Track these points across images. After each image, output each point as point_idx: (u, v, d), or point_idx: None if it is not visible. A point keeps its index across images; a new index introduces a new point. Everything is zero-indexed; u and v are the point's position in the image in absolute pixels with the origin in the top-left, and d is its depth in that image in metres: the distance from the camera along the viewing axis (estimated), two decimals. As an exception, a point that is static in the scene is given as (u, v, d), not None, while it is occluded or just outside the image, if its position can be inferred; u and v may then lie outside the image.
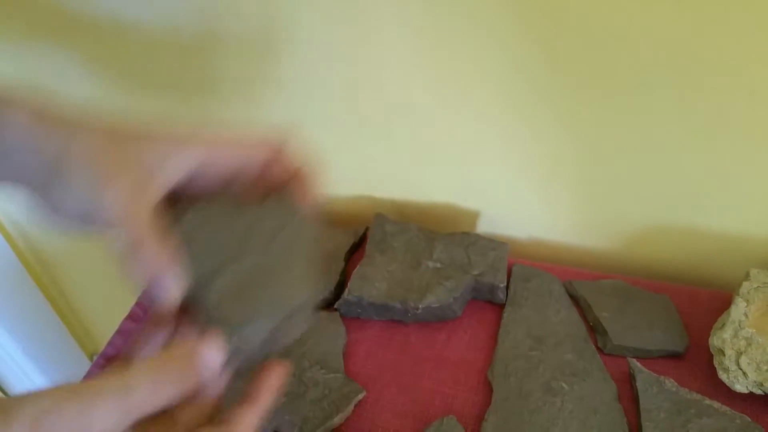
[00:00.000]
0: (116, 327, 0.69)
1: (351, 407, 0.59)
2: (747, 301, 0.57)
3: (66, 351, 1.12)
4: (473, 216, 0.74)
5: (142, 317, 0.70)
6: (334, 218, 0.65)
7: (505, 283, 0.66)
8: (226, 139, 0.42)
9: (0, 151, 0.38)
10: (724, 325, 0.57)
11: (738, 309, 0.57)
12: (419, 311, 0.64)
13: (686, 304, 0.65)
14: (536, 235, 0.74)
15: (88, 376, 0.65)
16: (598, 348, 0.62)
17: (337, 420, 0.58)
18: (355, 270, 0.69)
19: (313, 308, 0.41)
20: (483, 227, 0.74)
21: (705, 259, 0.69)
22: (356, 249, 0.75)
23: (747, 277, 0.59)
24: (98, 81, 0.76)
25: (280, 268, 0.41)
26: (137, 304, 0.71)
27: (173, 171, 0.40)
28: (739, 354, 0.55)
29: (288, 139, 0.42)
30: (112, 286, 0.97)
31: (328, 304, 0.68)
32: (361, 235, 0.75)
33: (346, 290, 0.66)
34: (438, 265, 0.67)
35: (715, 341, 0.56)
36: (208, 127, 0.42)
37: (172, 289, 0.39)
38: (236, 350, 0.38)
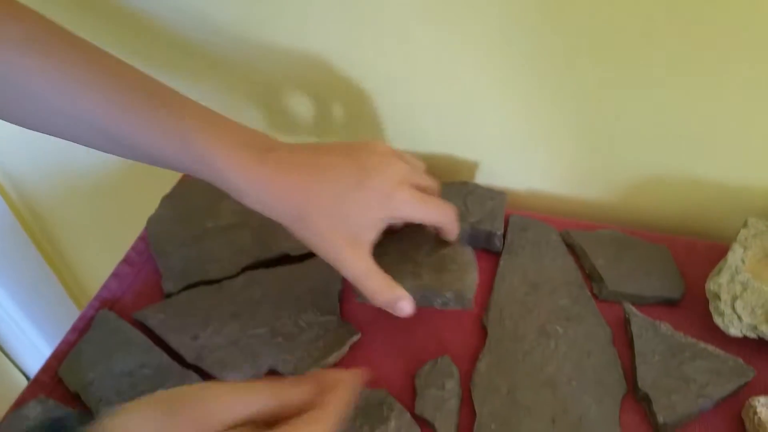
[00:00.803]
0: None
1: (346, 348, 0.59)
2: (744, 247, 0.57)
3: (57, 302, 1.12)
4: (472, 167, 0.74)
5: (137, 261, 0.70)
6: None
7: (503, 231, 0.66)
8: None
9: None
10: (720, 270, 0.57)
11: (735, 255, 0.57)
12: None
13: (683, 255, 0.65)
14: (535, 186, 0.73)
15: (83, 318, 0.64)
16: (593, 295, 0.62)
17: (331, 359, 0.58)
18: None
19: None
20: (481, 179, 0.74)
21: (703, 210, 0.69)
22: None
23: (745, 224, 0.59)
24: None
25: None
26: (133, 248, 0.71)
27: (377, 230, 0.53)
28: (734, 298, 0.55)
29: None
30: (104, 239, 0.97)
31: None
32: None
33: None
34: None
35: (711, 286, 0.56)
36: None
37: (410, 306, 0.54)
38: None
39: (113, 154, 0.51)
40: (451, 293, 0.55)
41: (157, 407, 0.36)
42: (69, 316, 1.10)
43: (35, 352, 1.07)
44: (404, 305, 0.53)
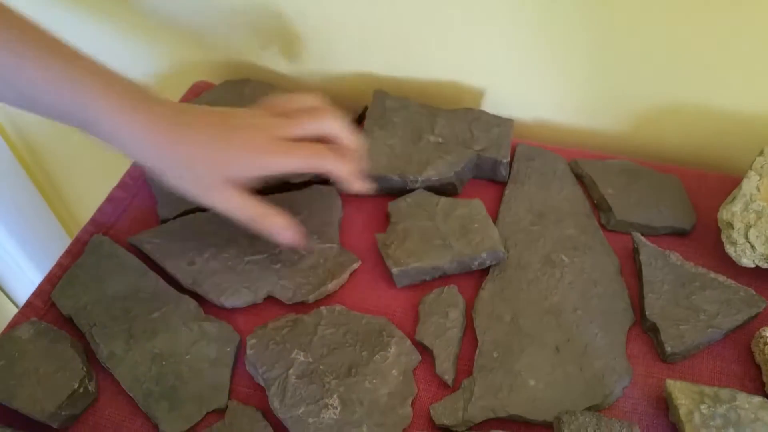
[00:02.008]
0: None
1: (346, 275, 0.58)
2: (760, 175, 0.55)
3: (50, 233, 1.11)
4: (478, 95, 0.71)
5: (132, 187, 0.68)
6: (333, 98, 0.62)
7: (509, 159, 0.63)
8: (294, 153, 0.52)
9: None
10: (734, 198, 0.55)
11: (750, 183, 0.55)
12: (418, 185, 0.62)
13: (694, 186, 0.63)
14: (542, 116, 0.71)
15: (77, 242, 0.63)
16: (601, 225, 0.61)
17: (331, 286, 0.57)
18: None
19: None
20: (487, 108, 0.71)
21: (716, 140, 0.66)
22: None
23: (761, 153, 0.57)
24: None
25: None
26: (128, 174, 0.69)
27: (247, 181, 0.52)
28: (748, 227, 0.53)
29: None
30: (98, 171, 0.95)
31: (325, 180, 0.66)
32: (360, 114, 0.72)
33: (344, 163, 0.64)
34: (439, 140, 0.65)
35: (724, 215, 0.54)
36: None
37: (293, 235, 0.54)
38: None
39: (21, 108, 0.52)
40: (485, 254, 0.56)
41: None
42: (62, 246, 1.09)
43: (27, 282, 1.06)
44: (286, 236, 0.54)
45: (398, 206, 0.61)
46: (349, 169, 0.53)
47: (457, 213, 0.59)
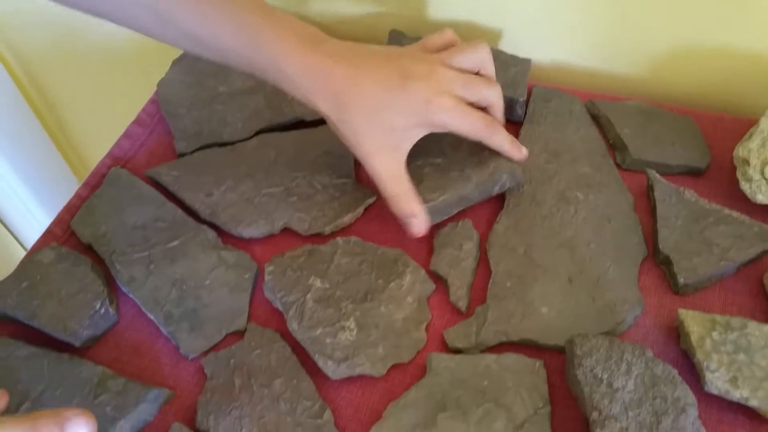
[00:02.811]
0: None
1: (361, 209, 0.59)
2: (778, 112, 0.55)
3: (60, 178, 1.12)
4: (495, 36, 0.71)
5: (149, 123, 0.68)
6: (349, 37, 0.62)
7: (525, 98, 0.63)
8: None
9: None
10: (751, 135, 0.55)
11: None
12: (435, 122, 0.62)
13: (710, 128, 0.63)
14: (559, 58, 0.71)
15: (95, 174, 0.64)
16: (616, 164, 0.61)
17: (347, 219, 0.58)
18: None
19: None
20: (504, 49, 0.71)
21: (733, 84, 0.66)
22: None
23: (780, 92, 0.57)
24: None
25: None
26: (144, 110, 0.70)
27: (414, 138, 0.53)
28: (764, 164, 0.53)
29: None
30: (108, 116, 0.95)
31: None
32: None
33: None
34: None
35: (740, 151, 0.55)
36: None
37: (422, 225, 0.54)
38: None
39: (188, 50, 0.54)
40: (505, 175, 0.56)
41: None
42: (69, 189, 1.10)
43: (37, 225, 1.07)
44: (416, 223, 0.53)
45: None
46: (511, 143, 0.55)
47: (464, 146, 0.59)
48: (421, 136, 0.53)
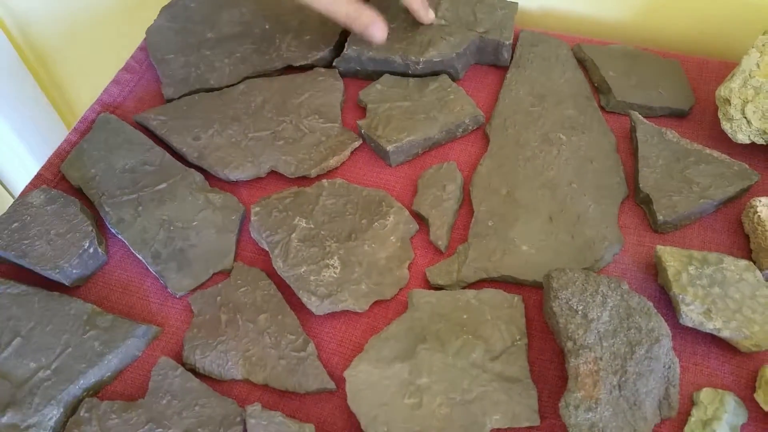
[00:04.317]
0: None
1: (347, 152, 0.59)
2: (761, 52, 0.55)
3: (52, 129, 1.12)
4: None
5: (138, 70, 0.69)
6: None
7: (511, 42, 0.63)
8: None
9: None
10: (733, 75, 0.55)
11: (750, 59, 0.55)
12: (420, 65, 0.62)
13: (696, 72, 0.63)
14: (547, 4, 0.70)
15: (84, 120, 0.64)
16: (601, 107, 0.61)
17: (333, 162, 0.58)
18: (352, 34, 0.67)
19: None
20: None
21: (720, 27, 0.66)
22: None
23: (765, 32, 0.57)
24: None
25: None
26: (132, 57, 0.70)
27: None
28: (745, 102, 0.54)
29: None
30: (100, 68, 0.95)
31: (327, 64, 0.66)
32: None
33: (346, 45, 0.64)
34: (442, 21, 0.64)
35: (722, 91, 0.55)
36: None
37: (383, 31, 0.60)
38: None
39: None
40: (468, 119, 0.59)
41: None
42: (59, 137, 1.10)
43: (26, 174, 1.07)
44: (375, 30, 0.60)
45: (369, 93, 0.62)
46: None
47: (429, 88, 0.61)
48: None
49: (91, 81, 1.02)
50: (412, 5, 0.62)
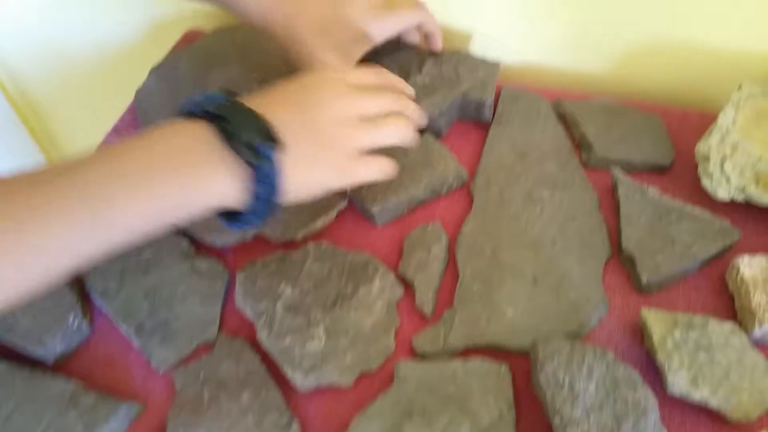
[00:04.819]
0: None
1: (333, 214, 0.59)
2: (736, 108, 0.56)
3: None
4: (465, 37, 0.71)
5: (126, 132, 0.69)
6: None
7: (492, 100, 0.64)
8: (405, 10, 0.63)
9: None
10: (711, 132, 0.56)
11: (726, 116, 0.56)
12: (403, 125, 0.63)
13: (677, 125, 0.64)
14: (528, 59, 0.71)
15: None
16: (582, 163, 0.62)
17: (319, 224, 0.58)
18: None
19: None
20: (475, 50, 0.72)
21: (699, 78, 0.67)
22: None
23: (739, 87, 0.58)
24: None
25: None
26: (121, 119, 0.70)
27: (369, 42, 0.61)
28: (723, 159, 0.54)
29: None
30: (94, 122, 0.95)
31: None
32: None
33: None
34: (426, 80, 0.65)
35: (701, 147, 0.55)
36: None
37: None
38: None
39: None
40: (452, 177, 0.60)
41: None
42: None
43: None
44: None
45: None
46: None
47: (418, 148, 0.61)
48: (366, 45, 0.61)
49: (86, 134, 1.03)
50: (428, 28, 0.65)
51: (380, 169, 0.51)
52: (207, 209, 0.43)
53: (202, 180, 0.42)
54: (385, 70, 0.55)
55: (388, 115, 0.50)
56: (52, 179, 0.39)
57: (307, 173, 0.46)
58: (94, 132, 0.82)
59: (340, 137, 0.48)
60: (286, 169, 0.43)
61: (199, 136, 0.42)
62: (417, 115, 0.53)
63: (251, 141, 0.41)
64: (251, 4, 0.59)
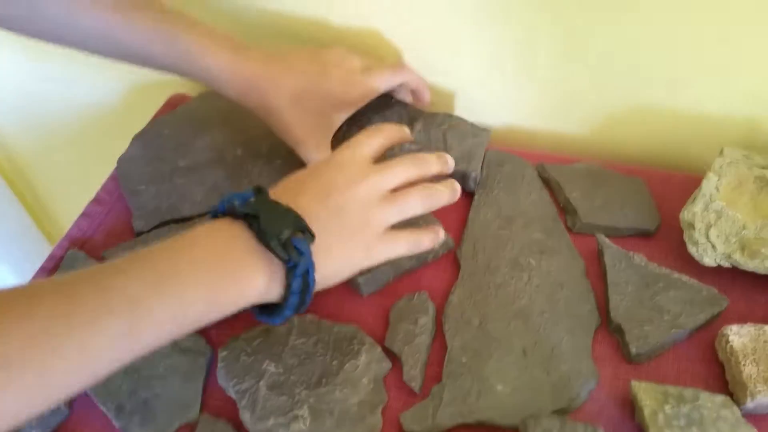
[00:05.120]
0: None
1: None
2: (719, 175, 0.56)
3: (35, 248, 1.11)
4: (449, 97, 0.72)
5: (108, 201, 0.68)
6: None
7: (478, 171, 0.64)
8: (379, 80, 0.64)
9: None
10: (695, 199, 0.56)
11: (710, 183, 0.56)
12: (388, 192, 0.63)
13: (660, 187, 0.64)
14: (511, 121, 0.72)
15: (52, 258, 0.63)
16: (567, 228, 0.61)
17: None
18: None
19: None
20: (458, 111, 0.72)
21: (681, 141, 0.67)
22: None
23: (721, 153, 0.58)
24: None
25: None
26: (103, 188, 0.70)
27: (349, 108, 0.63)
28: (708, 227, 0.54)
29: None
30: (82, 185, 0.95)
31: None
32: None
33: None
34: (413, 146, 0.65)
35: (685, 215, 0.55)
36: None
37: None
38: None
39: (114, 57, 0.60)
40: (437, 244, 0.57)
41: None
42: (40, 252, 1.09)
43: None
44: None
45: None
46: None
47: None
48: (345, 113, 0.63)
49: (76, 199, 1.02)
50: (413, 85, 0.66)
51: (408, 244, 0.51)
52: (244, 306, 0.44)
53: (242, 281, 0.43)
54: (388, 126, 0.55)
55: (411, 184, 0.52)
56: (84, 286, 0.39)
57: (337, 260, 0.47)
58: (83, 197, 0.82)
59: (365, 219, 0.49)
60: (318, 259, 0.44)
61: (235, 236, 0.43)
62: (439, 168, 0.54)
63: (285, 237, 0.42)
64: (224, 79, 0.59)
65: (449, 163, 0.55)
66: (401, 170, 0.51)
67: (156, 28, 0.57)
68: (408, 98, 0.69)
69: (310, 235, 0.44)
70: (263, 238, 0.42)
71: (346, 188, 0.48)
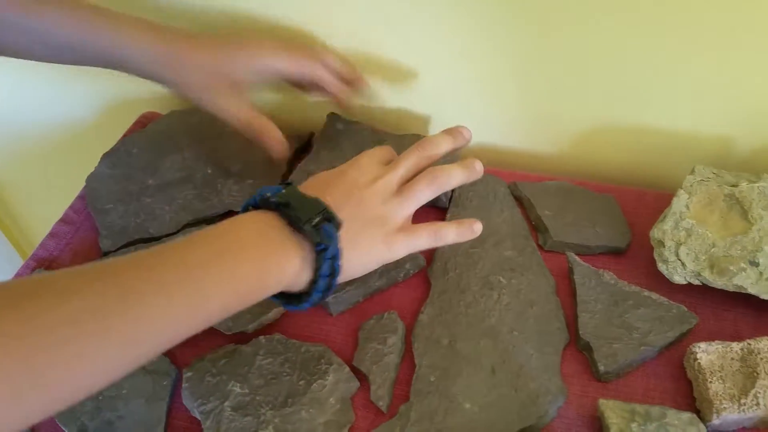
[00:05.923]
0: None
1: (286, 304, 0.58)
2: (689, 193, 0.56)
3: (5, 258, 1.10)
4: (425, 120, 0.72)
5: (76, 220, 0.68)
6: (282, 124, 0.63)
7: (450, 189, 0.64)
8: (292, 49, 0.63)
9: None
10: (665, 217, 0.56)
11: (680, 201, 0.56)
12: (359, 210, 0.62)
13: (632, 205, 0.64)
14: (485, 140, 0.72)
15: (18, 278, 0.62)
16: (539, 246, 0.61)
17: (271, 315, 0.57)
18: (299, 165, 0.67)
19: None
20: (432, 133, 0.72)
21: (652, 159, 0.67)
22: (302, 154, 0.72)
23: (692, 171, 0.58)
24: None
25: None
26: (71, 207, 0.69)
27: (258, 75, 0.63)
28: (678, 245, 0.54)
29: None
30: (53, 202, 0.94)
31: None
32: (306, 140, 0.73)
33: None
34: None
35: (655, 233, 0.55)
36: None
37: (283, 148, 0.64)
38: None
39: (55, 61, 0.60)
40: (408, 264, 0.59)
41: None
42: (11, 265, 1.08)
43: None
44: (275, 144, 0.63)
45: None
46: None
47: None
48: (258, 75, 0.62)
49: (49, 216, 1.02)
50: (333, 64, 0.65)
51: (429, 237, 0.52)
52: (276, 291, 0.45)
53: (282, 262, 0.44)
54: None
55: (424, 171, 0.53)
56: (136, 268, 0.40)
57: (362, 251, 0.49)
58: (55, 215, 0.81)
59: (383, 213, 0.51)
60: (344, 248, 0.46)
61: (270, 224, 0.45)
62: (450, 145, 0.56)
63: (315, 221, 0.45)
64: (146, 65, 0.60)
65: (464, 134, 0.56)
66: (411, 161, 0.53)
67: (74, 19, 0.58)
68: (335, 89, 0.66)
69: (337, 223, 0.46)
70: (296, 223, 0.45)
71: (365, 186, 0.51)
